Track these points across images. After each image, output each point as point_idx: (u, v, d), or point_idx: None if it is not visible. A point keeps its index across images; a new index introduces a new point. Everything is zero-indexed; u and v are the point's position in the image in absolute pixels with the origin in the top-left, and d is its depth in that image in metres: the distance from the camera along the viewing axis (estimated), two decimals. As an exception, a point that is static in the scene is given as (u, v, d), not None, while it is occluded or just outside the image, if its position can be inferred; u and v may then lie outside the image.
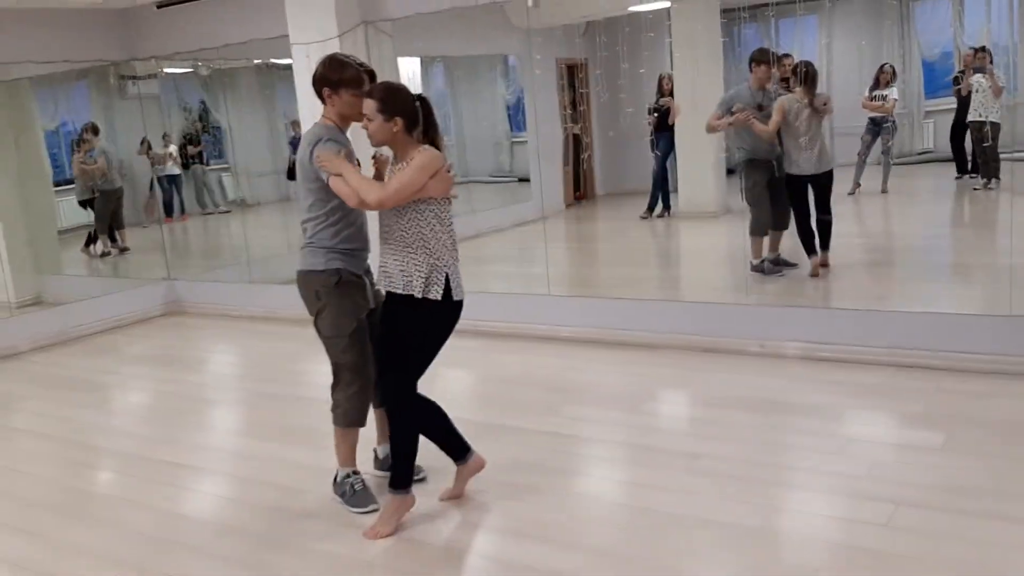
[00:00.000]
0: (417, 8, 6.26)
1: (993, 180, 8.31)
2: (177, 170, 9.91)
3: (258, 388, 5.84)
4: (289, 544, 3.51)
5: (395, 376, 3.48)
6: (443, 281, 3.36)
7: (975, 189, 8.70)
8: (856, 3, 9.40)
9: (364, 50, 6.48)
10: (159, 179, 9.64)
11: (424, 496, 3.79)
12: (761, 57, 6.68)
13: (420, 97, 3.44)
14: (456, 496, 3.73)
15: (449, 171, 3.40)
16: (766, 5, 7.86)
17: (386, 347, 3.52)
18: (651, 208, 9.65)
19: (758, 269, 6.64)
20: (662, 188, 9.57)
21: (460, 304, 3.47)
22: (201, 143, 10.27)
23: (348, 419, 3.72)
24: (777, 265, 6.74)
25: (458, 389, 5.38)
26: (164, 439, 4.91)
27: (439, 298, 3.36)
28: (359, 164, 3.63)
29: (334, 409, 3.74)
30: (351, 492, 3.74)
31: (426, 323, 3.43)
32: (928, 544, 3.07)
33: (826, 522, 3.35)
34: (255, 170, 10.19)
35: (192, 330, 7.69)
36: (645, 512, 3.50)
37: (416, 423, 3.57)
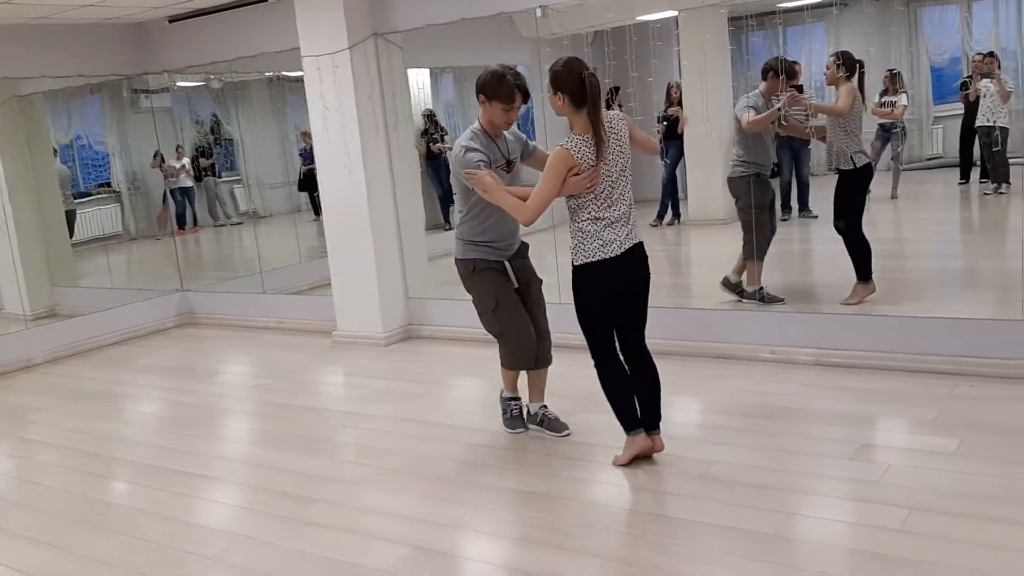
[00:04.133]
0: (426, 20, 6.30)
1: (1003, 185, 8.31)
2: (189, 182, 10.00)
3: (271, 398, 5.87)
4: (303, 553, 3.53)
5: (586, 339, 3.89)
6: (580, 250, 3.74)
7: (985, 194, 8.70)
8: (864, 10, 9.41)
9: (374, 62, 6.53)
10: (172, 192, 9.72)
11: (440, 504, 3.82)
12: (775, 66, 6.54)
13: (588, 74, 3.56)
14: (622, 464, 3.99)
15: (579, 172, 3.61)
16: (774, 13, 7.88)
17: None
18: (661, 216, 9.66)
19: (755, 297, 6.11)
20: (672, 196, 9.59)
21: (597, 265, 3.71)
22: (213, 155, 10.35)
23: (505, 363, 4.44)
24: (737, 290, 6.28)
25: (468, 398, 5.41)
26: (179, 450, 4.95)
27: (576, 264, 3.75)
28: (508, 163, 4.15)
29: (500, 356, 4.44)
30: (508, 415, 4.51)
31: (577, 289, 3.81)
32: (941, 549, 3.07)
33: (839, 527, 3.36)
34: (267, 182, 10.26)
35: (205, 341, 7.74)
36: (658, 519, 3.51)
37: (606, 381, 3.93)
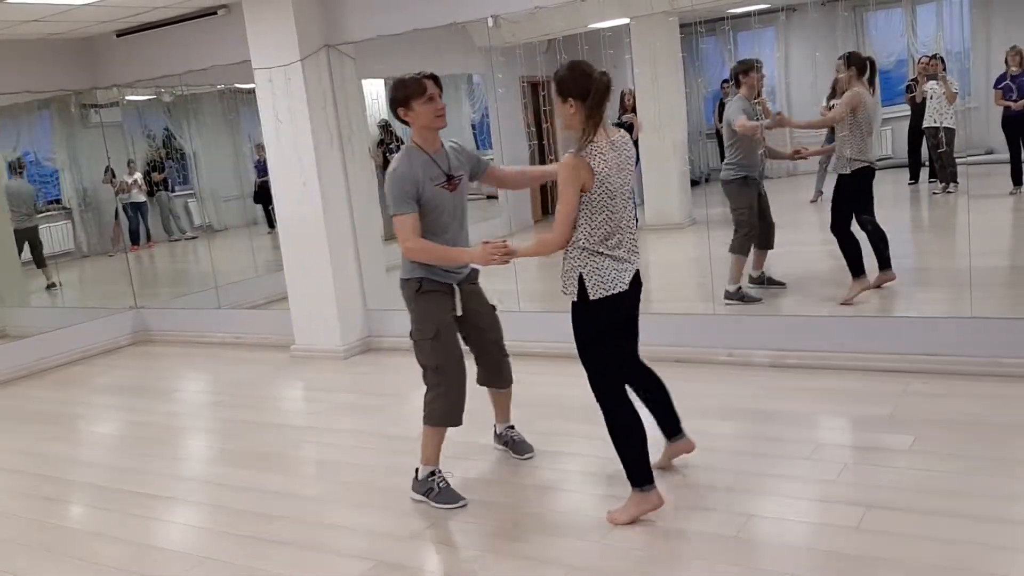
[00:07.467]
0: (378, 31, 6.28)
1: (951, 184, 8.47)
2: (142, 197, 9.85)
3: (229, 415, 5.80)
4: (266, 573, 3.49)
5: (589, 375, 3.49)
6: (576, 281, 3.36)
7: (934, 193, 8.87)
8: (810, 15, 9.57)
9: (327, 73, 6.50)
10: (124, 207, 9.57)
11: (402, 517, 3.79)
12: (751, 67, 6.61)
13: (601, 73, 3.19)
14: (662, 467, 3.86)
15: (587, 189, 3.27)
16: (723, 19, 7.99)
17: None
18: (618, 222, 9.70)
19: (736, 297, 6.34)
20: (628, 201, 9.63)
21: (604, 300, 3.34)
22: (166, 170, 10.22)
23: (434, 419, 3.87)
24: (762, 284, 6.60)
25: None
26: (136, 470, 4.86)
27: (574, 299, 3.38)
28: (450, 178, 3.76)
29: (424, 408, 3.88)
30: (436, 490, 3.86)
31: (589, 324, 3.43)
32: (899, 545, 3.12)
33: (798, 527, 3.40)
34: (221, 195, 10.15)
35: (160, 358, 7.63)
36: (620, 525, 3.52)
37: (617, 421, 3.47)
